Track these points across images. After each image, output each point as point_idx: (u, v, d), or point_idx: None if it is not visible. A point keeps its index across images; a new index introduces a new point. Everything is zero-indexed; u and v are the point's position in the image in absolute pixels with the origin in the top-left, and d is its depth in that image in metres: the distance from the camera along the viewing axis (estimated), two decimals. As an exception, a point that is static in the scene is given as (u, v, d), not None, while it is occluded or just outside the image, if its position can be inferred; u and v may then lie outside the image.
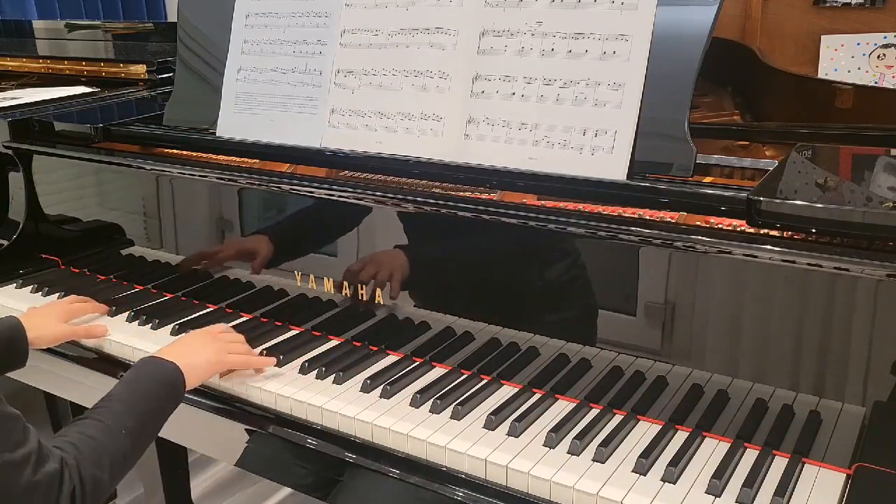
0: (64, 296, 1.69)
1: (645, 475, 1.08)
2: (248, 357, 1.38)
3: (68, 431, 1.09)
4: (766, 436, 1.11)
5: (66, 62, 2.45)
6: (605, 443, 1.13)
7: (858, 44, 2.14)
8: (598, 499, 1.04)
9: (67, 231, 1.87)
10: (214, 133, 1.65)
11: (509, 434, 1.17)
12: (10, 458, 0.96)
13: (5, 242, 1.86)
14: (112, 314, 1.62)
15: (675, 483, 1.06)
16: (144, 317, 1.58)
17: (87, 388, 1.50)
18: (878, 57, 2.14)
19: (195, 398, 1.38)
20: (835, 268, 1.02)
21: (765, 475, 1.06)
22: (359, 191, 1.40)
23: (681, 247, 1.13)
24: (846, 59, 2.16)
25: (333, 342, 1.47)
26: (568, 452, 1.13)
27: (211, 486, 2.59)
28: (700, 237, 1.11)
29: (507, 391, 1.29)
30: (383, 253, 1.41)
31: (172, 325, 1.55)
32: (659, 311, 1.17)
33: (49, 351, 1.53)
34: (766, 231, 1.08)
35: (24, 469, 0.96)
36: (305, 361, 1.38)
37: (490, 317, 1.31)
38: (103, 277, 1.80)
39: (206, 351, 1.32)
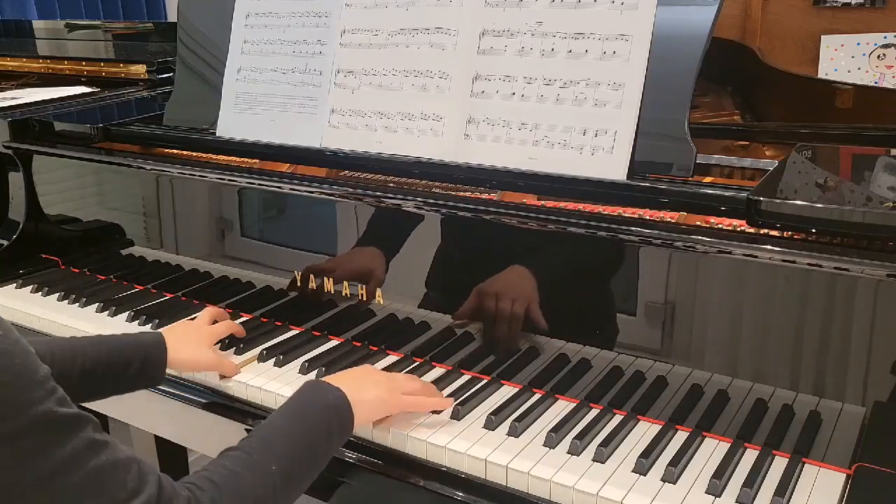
0: (64, 297, 1.69)
1: (645, 475, 1.08)
2: (421, 398, 1.21)
3: (210, 465, 0.97)
4: (766, 436, 1.11)
5: (66, 62, 2.45)
6: (605, 443, 1.13)
7: (858, 44, 2.14)
8: (598, 499, 1.04)
9: (67, 231, 1.87)
10: (214, 133, 1.65)
11: (509, 434, 1.17)
12: None
13: (5, 242, 1.86)
14: (112, 314, 1.62)
15: (675, 483, 1.06)
16: (144, 317, 1.58)
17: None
18: (878, 57, 2.14)
19: (195, 398, 1.38)
20: (835, 268, 1.02)
21: (765, 475, 1.06)
22: (359, 191, 1.40)
23: (681, 247, 1.13)
24: (846, 59, 2.16)
25: (333, 342, 1.47)
26: (568, 452, 1.13)
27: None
28: (700, 237, 1.11)
29: (507, 391, 1.29)
30: (378, 252, 1.41)
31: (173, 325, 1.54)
32: (659, 311, 1.17)
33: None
34: (766, 231, 1.08)
35: None
36: (305, 361, 1.38)
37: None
38: (103, 277, 1.80)
39: (377, 388, 1.17)
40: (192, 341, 1.36)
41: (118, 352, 1.27)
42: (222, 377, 1.37)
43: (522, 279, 1.28)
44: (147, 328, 1.55)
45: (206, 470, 0.95)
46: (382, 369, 1.35)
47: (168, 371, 1.32)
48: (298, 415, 1.08)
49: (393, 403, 1.18)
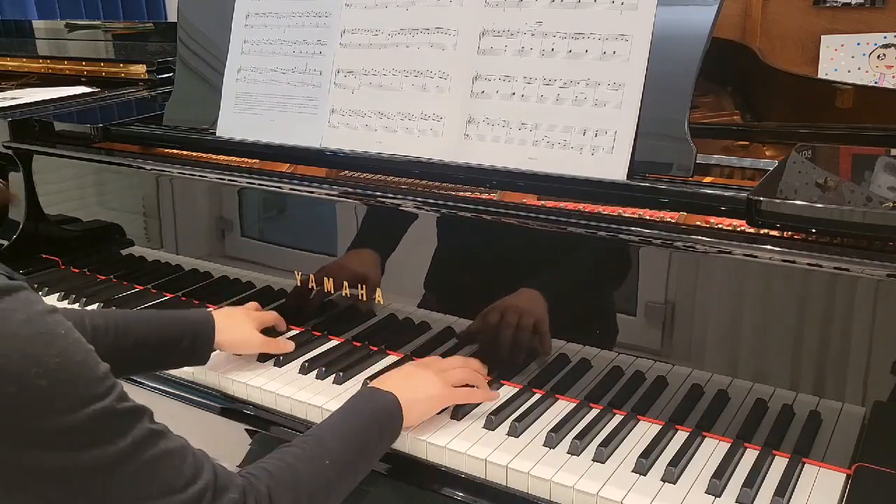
0: (64, 297, 1.69)
1: (645, 475, 1.08)
2: (471, 391, 1.24)
3: (265, 459, 0.99)
4: (766, 436, 1.11)
5: (66, 62, 2.45)
6: (605, 443, 1.13)
7: (858, 44, 2.15)
8: (598, 499, 1.04)
9: (67, 231, 1.87)
10: (214, 133, 1.65)
11: (509, 434, 1.17)
12: (182, 499, 0.84)
13: (5, 242, 1.86)
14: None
15: (675, 483, 1.06)
16: (144, 317, 1.58)
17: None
18: (878, 57, 2.14)
19: (196, 398, 1.38)
20: (835, 268, 1.02)
21: (765, 475, 1.06)
22: (359, 191, 1.40)
23: (681, 247, 1.13)
24: (846, 59, 2.16)
25: (333, 342, 1.47)
26: (568, 452, 1.13)
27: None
28: (700, 237, 1.11)
29: (507, 391, 1.29)
30: (378, 252, 1.41)
31: (172, 325, 1.54)
32: (659, 311, 1.17)
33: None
34: (766, 231, 1.08)
35: None
36: (305, 361, 1.38)
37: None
38: (103, 277, 1.80)
39: (428, 386, 1.19)
40: (238, 322, 1.39)
41: (170, 327, 1.30)
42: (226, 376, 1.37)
43: (522, 280, 1.28)
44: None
45: (262, 462, 0.98)
46: (382, 370, 1.36)
47: (231, 353, 1.36)
48: (351, 417, 1.10)
49: (445, 397, 1.20)
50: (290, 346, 1.42)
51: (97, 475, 0.81)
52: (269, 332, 1.48)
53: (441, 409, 1.20)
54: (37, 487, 0.79)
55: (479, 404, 1.25)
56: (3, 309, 0.77)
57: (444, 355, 1.36)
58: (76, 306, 1.66)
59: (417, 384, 1.19)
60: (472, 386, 1.25)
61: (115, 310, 1.29)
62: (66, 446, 0.78)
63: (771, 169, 1.22)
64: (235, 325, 1.38)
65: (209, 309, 1.38)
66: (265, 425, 1.31)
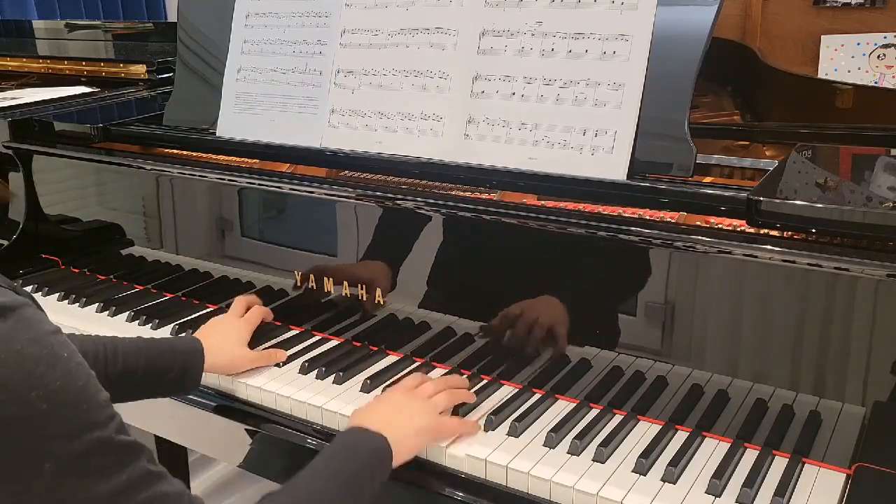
0: (64, 297, 1.69)
1: (645, 475, 1.08)
2: (461, 422, 1.18)
3: None
4: (766, 436, 1.11)
5: (66, 62, 2.45)
6: (605, 443, 1.13)
7: (858, 44, 2.15)
8: (598, 499, 1.04)
9: (67, 231, 1.87)
10: (214, 133, 1.65)
11: (509, 434, 1.17)
12: None
13: (5, 242, 1.86)
14: (112, 314, 1.62)
15: (675, 483, 1.06)
16: (144, 317, 1.58)
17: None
18: (878, 57, 2.14)
19: (196, 398, 1.38)
20: (835, 268, 1.02)
21: (765, 475, 1.06)
22: (359, 191, 1.40)
23: (681, 247, 1.13)
24: (846, 59, 2.16)
25: (333, 342, 1.47)
26: (568, 452, 1.13)
27: (211, 486, 2.59)
28: (700, 237, 1.11)
29: (507, 391, 1.29)
30: (382, 255, 1.41)
31: (172, 325, 1.55)
32: (659, 311, 1.17)
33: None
34: (766, 231, 1.08)
35: None
36: (305, 361, 1.38)
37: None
38: (103, 277, 1.80)
39: (416, 419, 1.14)
40: (229, 342, 1.37)
41: (158, 358, 1.27)
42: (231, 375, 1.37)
43: (522, 280, 1.28)
44: (147, 328, 1.55)
45: None
46: (382, 370, 1.35)
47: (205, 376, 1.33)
48: (343, 463, 1.06)
49: (434, 430, 1.15)
50: (282, 355, 1.40)
51: None
52: (260, 327, 1.47)
53: (430, 441, 1.15)
54: None
55: (480, 404, 1.25)
56: (10, 328, 0.75)
57: (443, 355, 1.36)
58: (76, 306, 1.66)
59: (405, 420, 1.13)
60: (460, 407, 1.23)
61: (104, 336, 1.27)
62: (60, 475, 0.76)
63: (771, 169, 1.22)
64: (224, 346, 1.35)
65: (196, 334, 1.37)
66: (265, 425, 1.31)
